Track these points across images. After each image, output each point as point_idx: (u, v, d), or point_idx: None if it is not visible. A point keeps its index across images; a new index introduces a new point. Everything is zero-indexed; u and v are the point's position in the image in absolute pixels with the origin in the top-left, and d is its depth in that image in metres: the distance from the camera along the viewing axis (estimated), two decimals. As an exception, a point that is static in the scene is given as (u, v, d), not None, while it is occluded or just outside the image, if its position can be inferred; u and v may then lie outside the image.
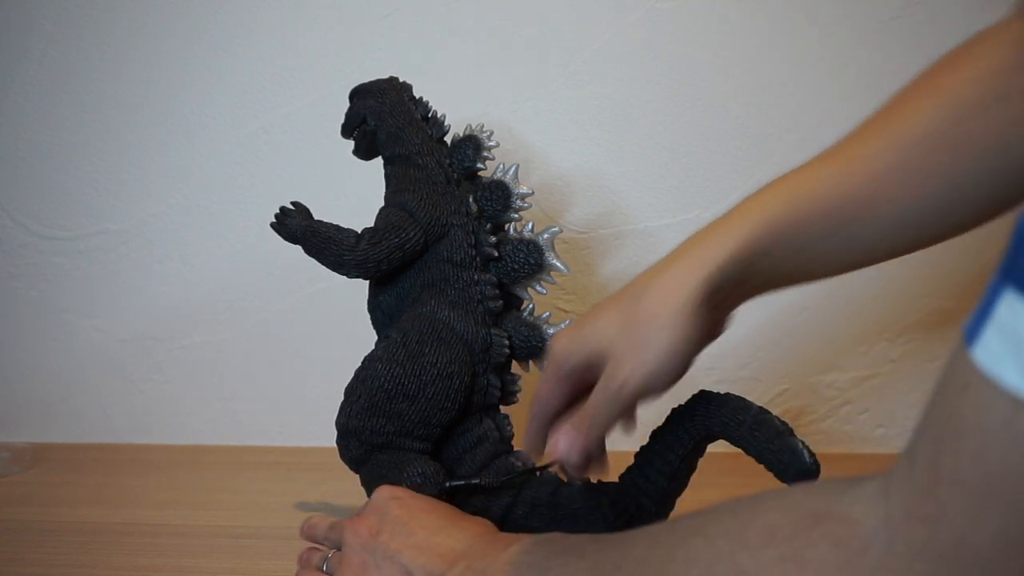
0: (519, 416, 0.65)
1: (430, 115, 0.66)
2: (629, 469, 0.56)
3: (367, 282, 0.65)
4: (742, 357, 0.86)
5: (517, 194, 0.63)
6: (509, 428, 0.62)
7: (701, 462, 0.54)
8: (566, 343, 0.52)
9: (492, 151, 0.64)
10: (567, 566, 0.40)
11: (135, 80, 0.90)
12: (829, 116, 0.84)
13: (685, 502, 0.54)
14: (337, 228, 0.62)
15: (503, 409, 0.64)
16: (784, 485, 0.48)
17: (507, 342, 0.61)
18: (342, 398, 0.61)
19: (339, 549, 0.53)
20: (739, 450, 0.50)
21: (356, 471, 0.61)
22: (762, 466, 0.49)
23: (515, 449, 0.63)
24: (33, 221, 0.92)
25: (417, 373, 0.58)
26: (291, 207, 0.64)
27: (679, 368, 0.48)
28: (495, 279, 0.62)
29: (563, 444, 0.51)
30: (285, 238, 0.64)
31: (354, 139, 0.69)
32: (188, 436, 0.92)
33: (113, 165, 0.91)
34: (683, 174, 0.86)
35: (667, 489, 0.54)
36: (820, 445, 0.58)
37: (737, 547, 0.32)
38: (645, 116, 0.86)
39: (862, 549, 0.29)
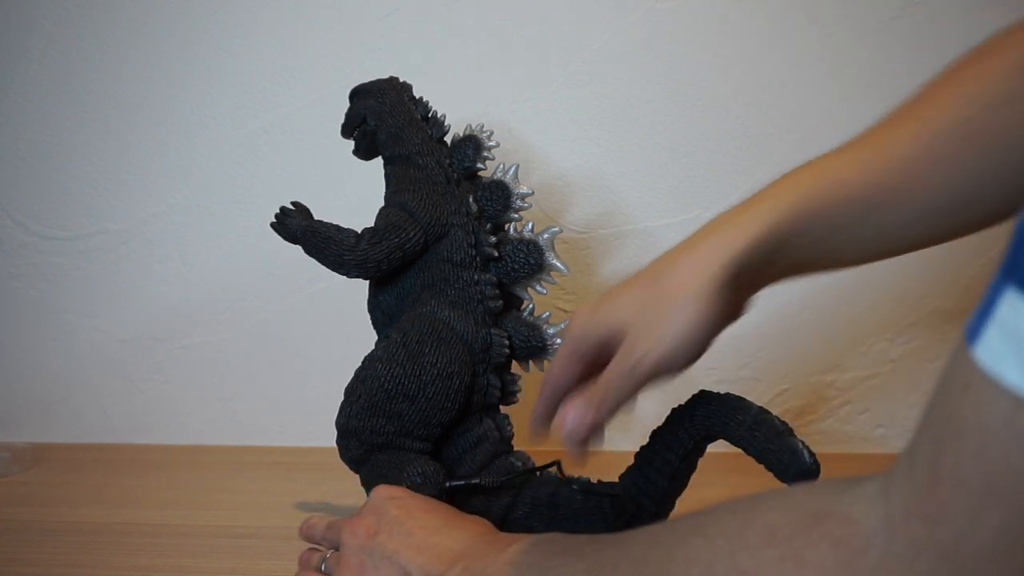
0: (519, 416, 0.65)
1: (430, 115, 0.66)
2: (629, 469, 0.56)
3: (367, 282, 0.65)
4: (742, 357, 0.86)
5: (517, 194, 0.63)
6: (509, 428, 0.63)
7: (701, 462, 0.54)
8: (586, 319, 0.51)
9: (492, 151, 0.64)
10: (566, 566, 0.40)
11: (135, 80, 0.90)
12: (829, 116, 0.84)
13: (685, 502, 0.54)
14: (337, 228, 0.62)
15: (503, 409, 0.64)
16: (784, 485, 0.48)
17: (507, 342, 0.61)
18: (342, 398, 0.61)
19: (337, 549, 0.52)
20: (739, 450, 0.50)
21: (356, 471, 0.61)
22: (762, 466, 0.49)
23: (515, 449, 0.63)
24: (33, 221, 0.92)
25: (417, 373, 0.58)
26: (291, 207, 0.64)
27: (697, 349, 0.47)
28: (495, 279, 0.62)
29: (572, 418, 0.50)
30: (285, 238, 0.64)
31: (354, 139, 0.69)
32: (188, 436, 0.92)
33: (113, 165, 0.91)
34: (683, 174, 0.86)
35: (667, 489, 0.54)
36: (820, 445, 0.58)
37: (736, 547, 0.32)
38: (645, 116, 0.86)
39: (862, 549, 0.29)
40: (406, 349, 0.59)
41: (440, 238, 0.62)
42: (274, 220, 0.64)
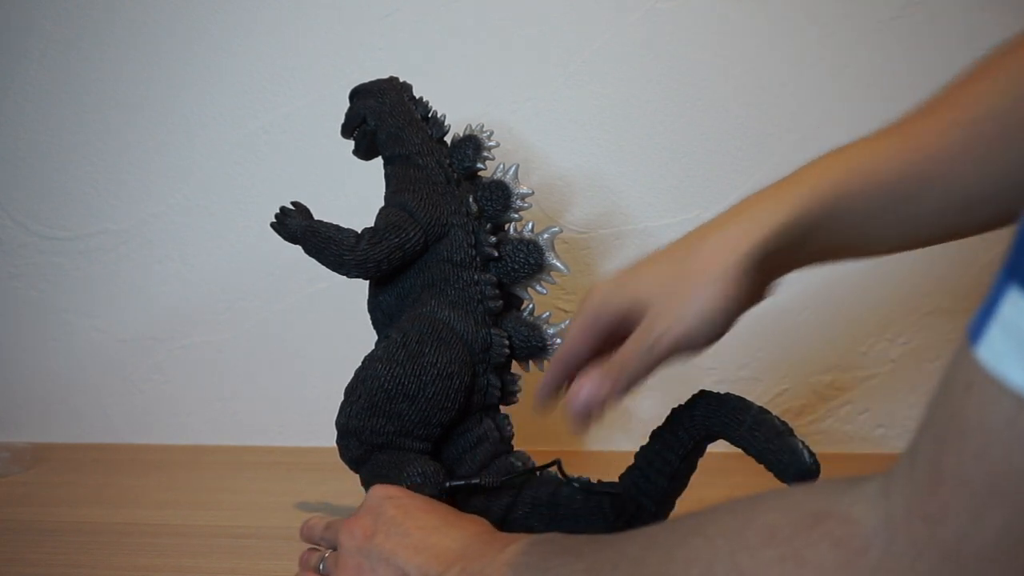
0: (519, 416, 0.65)
1: (430, 115, 0.66)
2: (629, 469, 0.56)
3: (367, 282, 0.65)
4: (742, 357, 0.86)
5: (517, 194, 0.63)
6: (509, 428, 0.62)
7: (701, 462, 0.54)
8: (607, 289, 0.50)
9: (492, 151, 0.64)
10: (565, 566, 0.40)
11: (135, 80, 0.90)
12: (829, 116, 0.84)
13: (685, 502, 0.54)
14: (337, 228, 0.62)
15: (503, 409, 0.64)
16: (784, 485, 0.48)
17: (507, 342, 0.61)
18: (342, 398, 0.61)
19: (335, 549, 0.52)
20: (739, 450, 0.50)
21: (356, 471, 0.61)
22: (762, 466, 0.49)
23: (515, 449, 0.63)
24: (33, 221, 0.92)
25: (417, 373, 0.58)
26: (291, 207, 0.64)
27: (718, 329, 0.47)
28: (495, 279, 0.62)
29: (587, 391, 0.49)
30: (285, 238, 0.64)
31: (354, 139, 0.69)
32: (188, 436, 0.92)
33: (113, 165, 0.91)
34: (683, 174, 0.86)
35: (667, 489, 0.54)
36: (820, 445, 0.58)
37: (736, 547, 0.32)
38: (645, 116, 0.86)
39: (862, 549, 0.28)
40: (406, 349, 0.59)
41: (440, 238, 0.62)
42: (274, 220, 0.64)
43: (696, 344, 0.47)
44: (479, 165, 0.64)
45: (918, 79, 0.83)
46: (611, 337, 0.50)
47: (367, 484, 0.60)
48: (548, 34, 0.85)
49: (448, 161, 0.64)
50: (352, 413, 0.60)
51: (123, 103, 0.90)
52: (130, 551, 0.63)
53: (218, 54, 0.89)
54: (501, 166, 0.63)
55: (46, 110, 0.91)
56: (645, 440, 0.55)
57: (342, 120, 0.69)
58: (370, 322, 0.66)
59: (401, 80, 0.69)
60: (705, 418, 0.51)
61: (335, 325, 0.88)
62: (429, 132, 0.65)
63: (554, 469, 0.59)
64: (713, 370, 0.86)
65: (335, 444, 0.61)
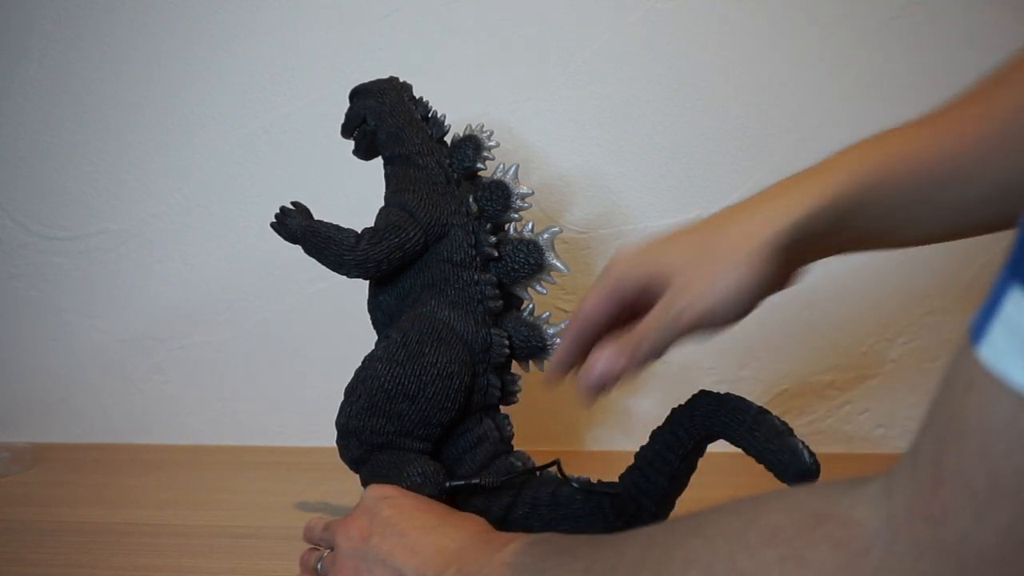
0: (519, 416, 0.65)
1: (430, 115, 0.66)
2: (629, 469, 0.56)
3: (367, 282, 0.65)
4: (742, 357, 0.86)
5: (517, 194, 0.63)
6: (509, 428, 0.62)
7: (701, 462, 0.54)
8: (631, 258, 0.49)
9: (492, 151, 0.64)
10: (562, 567, 0.40)
11: (135, 80, 0.90)
12: (829, 116, 0.84)
13: (685, 502, 0.54)
14: (337, 228, 0.62)
15: (503, 409, 0.64)
16: (784, 485, 0.48)
17: (507, 342, 0.61)
18: (342, 398, 0.61)
19: (333, 549, 0.52)
20: (739, 450, 0.50)
21: (356, 471, 0.61)
22: (762, 466, 0.49)
23: (515, 449, 0.63)
24: (33, 221, 0.92)
25: (417, 373, 0.58)
26: (291, 207, 0.64)
27: (741, 310, 0.46)
28: (495, 279, 0.62)
29: (604, 363, 0.48)
30: (285, 238, 0.64)
31: (354, 139, 0.69)
32: (188, 436, 0.92)
33: (113, 165, 0.91)
34: (683, 174, 0.86)
35: (667, 489, 0.54)
36: (820, 445, 0.58)
37: (736, 547, 0.32)
38: (645, 116, 0.86)
39: (864, 550, 0.28)
40: (406, 349, 0.59)
41: (440, 238, 0.62)
42: (274, 220, 0.64)
43: (717, 322, 0.46)
44: (479, 165, 0.64)
45: (918, 79, 0.83)
46: (628, 309, 0.49)
47: (367, 484, 0.60)
48: (548, 34, 0.85)
49: (448, 161, 0.64)
50: (352, 413, 0.60)
51: (123, 103, 0.90)
52: (130, 551, 0.63)
53: (218, 54, 0.89)
54: (501, 166, 0.63)
55: (46, 110, 0.91)
56: (645, 440, 0.55)
57: (342, 120, 0.69)
58: (370, 322, 0.65)
59: (401, 80, 0.69)
60: (705, 418, 0.51)
61: (335, 325, 0.88)
62: (429, 132, 0.65)
63: (554, 469, 0.59)
64: (713, 370, 0.86)
65: (335, 444, 0.61)
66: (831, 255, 0.49)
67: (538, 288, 0.62)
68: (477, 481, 0.58)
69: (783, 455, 0.48)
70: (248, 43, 0.88)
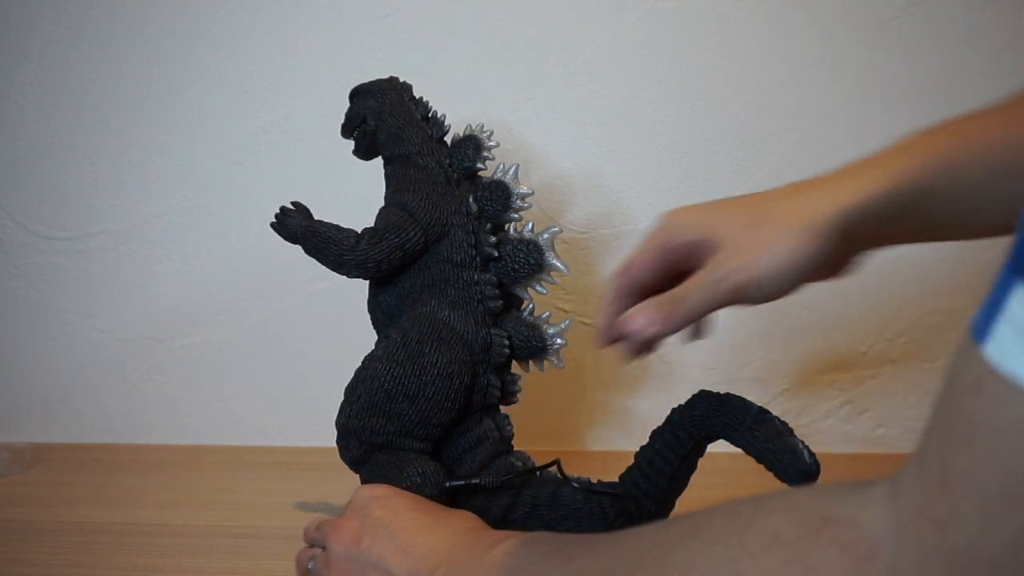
0: (519, 416, 0.65)
1: (430, 115, 0.66)
2: (629, 469, 0.56)
3: (367, 282, 0.65)
4: (742, 357, 0.86)
5: (517, 194, 0.63)
6: (509, 428, 0.62)
7: (701, 462, 0.54)
8: (683, 218, 0.48)
9: (492, 151, 0.64)
10: (556, 569, 0.39)
11: (135, 80, 0.90)
12: (829, 116, 0.84)
13: (685, 502, 0.54)
14: (337, 228, 0.62)
15: (503, 409, 0.64)
16: (784, 485, 0.48)
17: (507, 342, 0.61)
18: (342, 398, 0.61)
19: (325, 549, 0.52)
20: (739, 450, 0.50)
21: (356, 471, 0.61)
22: (762, 466, 0.49)
23: (515, 449, 0.63)
24: (33, 221, 0.92)
25: (417, 373, 0.58)
26: (291, 207, 0.64)
27: (785, 285, 0.45)
28: (495, 279, 0.62)
29: (641, 320, 0.46)
30: (285, 238, 0.64)
31: (354, 139, 0.69)
32: (188, 436, 0.92)
33: (113, 165, 0.91)
34: (683, 174, 0.86)
35: (667, 489, 0.54)
36: (820, 445, 0.58)
37: (737, 552, 0.31)
38: (645, 116, 0.86)
39: (870, 554, 0.28)
40: (406, 349, 0.59)
41: (440, 238, 0.62)
42: (274, 220, 0.64)
43: (758, 295, 0.45)
44: (479, 165, 0.64)
45: (918, 79, 0.83)
46: (674, 267, 0.49)
47: (367, 484, 0.60)
48: (548, 34, 0.85)
49: (448, 161, 0.64)
50: (352, 413, 0.60)
51: (123, 103, 0.90)
52: (130, 551, 0.63)
53: (218, 54, 0.89)
54: (501, 166, 0.63)
55: (46, 110, 0.91)
56: (645, 440, 0.55)
57: (342, 120, 0.69)
58: (370, 322, 0.66)
59: (401, 80, 0.69)
60: (705, 418, 0.51)
61: (335, 325, 0.88)
62: (429, 132, 0.65)
63: (554, 469, 0.59)
64: (713, 370, 0.86)
65: (335, 444, 0.61)
66: (891, 244, 0.47)
67: (538, 288, 0.62)
68: (477, 481, 0.58)
69: (783, 455, 0.48)
70: (248, 43, 0.88)
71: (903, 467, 0.29)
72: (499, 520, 0.57)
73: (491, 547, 0.44)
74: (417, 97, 0.68)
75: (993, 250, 0.81)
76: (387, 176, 0.66)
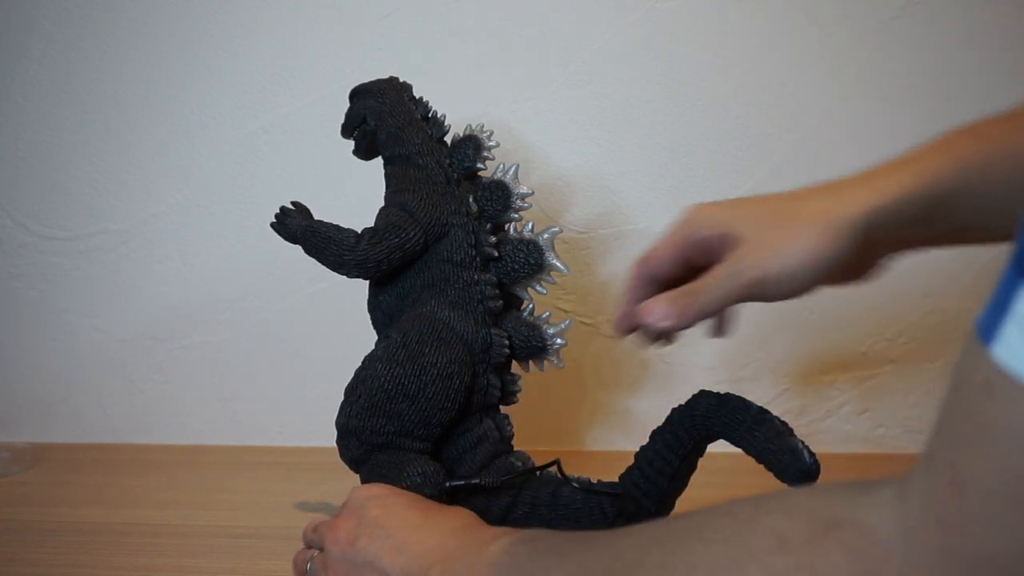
0: (519, 416, 0.65)
1: (430, 115, 0.66)
2: (629, 469, 0.56)
3: (367, 282, 0.65)
4: (742, 357, 0.86)
5: (517, 194, 0.63)
6: (509, 428, 0.62)
7: (701, 462, 0.54)
8: (706, 212, 0.48)
9: (492, 151, 0.64)
10: (551, 568, 0.39)
11: (135, 80, 0.90)
12: (829, 116, 0.84)
13: (685, 502, 0.54)
14: (337, 228, 0.62)
15: (503, 409, 0.64)
16: (785, 485, 0.48)
17: (507, 342, 0.61)
18: (342, 398, 0.61)
19: (323, 550, 0.52)
20: (739, 450, 0.50)
21: (356, 471, 0.61)
22: (762, 466, 0.49)
23: (515, 449, 0.63)
24: (33, 221, 0.92)
25: (417, 373, 0.58)
26: (291, 207, 0.64)
27: (804, 281, 0.44)
28: (495, 279, 0.62)
29: (656, 313, 0.46)
30: (285, 238, 0.64)
31: (354, 139, 0.69)
32: (188, 436, 0.92)
33: (113, 165, 0.91)
34: (683, 174, 0.86)
35: (667, 489, 0.54)
36: (820, 445, 0.58)
37: (741, 553, 0.31)
38: (645, 116, 0.86)
39: (880, 558, 0.27)
40: (406, 349, 0.59)
41: (440, 238, 0.62)
42: (274, 220, 0.64)
43: (775, 291, 0.45)
44: (479, 165, 0.64)
45: (918, 79, 0.83)
46: (693, 260, 0.49)
47: (364, 484, 0.60)
48: (548, 34, 0.85)
49: (448, 161, 0.64)
50: (352, 413, 0.60)
51: (123, 103, 0.90)
52: (130, 551, 0.63)
53: (218, 54, 0.89)
54: (501, 166, 0.63)
55: (46, 110, 0.91)
56: (645, 440, 0.55)
57: (342, 120, 0.69)
58: (370, 322, 0.66)
59: (401, 80, 0.69)
60: (705, 418, 0.51)
61: (335, 325, 0.88)
62: (429, 132, 0.65)
63: (554, 469, 0.59)
64: (713, 370, 0.86)
65: (335, 444, 0.61)
66: (915, 248, 0.47)
67: (538, 288, 0.62)
68: (477, 481, 0.58)
69: (783, 455, 0.48)
70: (248, 43, 0.88)
71: (911, 471, 0.28)
72: (499, 520, 0.57)
73: (486, 544, 0.44)
74: (417, 97, 0.68)
75: (994, 250, 0.81)
76: (387, 176, 0.66)
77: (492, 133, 0.64)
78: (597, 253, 0.87)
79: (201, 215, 0.90)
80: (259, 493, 0.76)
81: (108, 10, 0.89)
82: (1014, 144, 0.43)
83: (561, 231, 0.63)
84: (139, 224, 0.91)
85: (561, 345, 0.61)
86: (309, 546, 0.55)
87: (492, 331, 0.61)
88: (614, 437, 0.88)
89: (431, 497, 0.55)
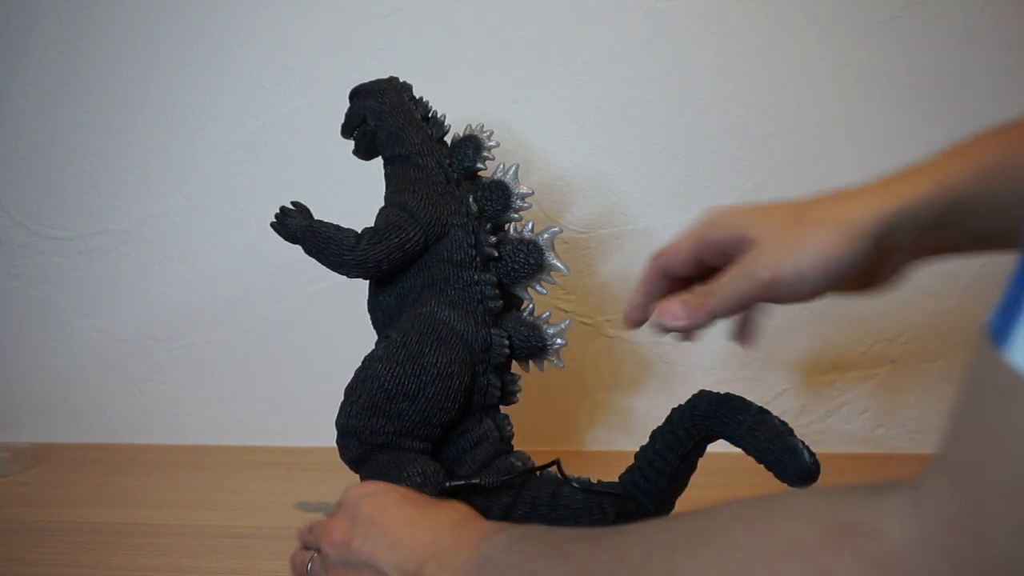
0: (519, 416, 0.65)
1: (430, 115, 0.66)
2: (629, 469, 0.56)
3: (367, 282, 0.65)
4: (742, 357, 0.86)
5: (517, 194, 0.63)
6: (509, 428, 0.62)
7: (701, 462, 0.54)
8: (724, 214, 0.48)
9: (492, 151, 0.64)
10: (552, 569, 0.38)
11: (135, 80, 0.90)
12: (829, 116, 0.84)
13: (685, 502, 0.54)
14: (337, 228, 0.62)
15: (503, 409, 0.64)
16: (785, 485, 0.48)
17: (507, 342, 0.61)
18: (342, 398, 0.61)
19: (319, 551, 0.51)
20: (739, 450, 0.50)
21: (356, 471, 0.61)
22: (762, 466, 0.49)
23: (515, 449, 0.63)
24: (33, 221, 0.92)
25: (417, 373, 0.58)
26: (291, 207, 0.64)
27: (816, 283, 0.44)
28: (495, 279, 0.62)
29: (668, 315, 0.47)
30: (285, 238, 0.64)
31: (354, 139, 0.69)
32: (188, 436, 0.92)
33: (113, 165, 0.91)
34: (683, 174, 0.86)
35: (667, 489, 0.54)
36: (820, 445, 0.58)
37: (752, 559, 0.30)
38: (645, 116, 0.86)
39: (896, 565, 0.27)
40: (406, 349, 0.59)
41: (440, 238, 0.62)
42: (274, 220, 0.64)
43: (786, 292, 0.45)
44: (479, 165, 0.64)
45: (918, 79, 0.83)
46: (707, 261, 0.49)
47: (364, 483, 0.60)
48: (548, 34, 0.85)
49: (448, 161, 0.64)
50: (352, 413, 0.60)
51: (123, 103, 0.90)
52: (130, 551, 0.63)
53: (218, 54, 0.89)
54: (501, 166, 0.63)
55: (46, 110, 0.91)
56: (645, 440, 0.55)
57: (342, 120, 0.69)
58: (370, 322, 0.66)
59: (401, 80, 0.69)
60: (705, 418, 0.51)
61: (335, 325, 0.88)
62: (429, 132, 0.65)
63: (554, 469, 0.59)
64: (713, 370, 0.86)
65: (335, 444, 0.61)
66: (934, 255, 0.47)
67: (538, 288, 0.62)
68: (477, 481, 0.58)
69: (783, 455, 0.48)
70: (248, 43, 0.88)
71: (925, 474, 0.27)
72: (499, 520, 0.57)
73: (483, 539, 0.43)
74: (417, 97, 0.68)
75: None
76: (387, 176, 0.66)
77: (492, 133, 0.64)
78: (597, 253, 0.87)
79: (201, 215, 0.90)
80: (259, 493, 0.76)
81: (108, 10, 0.89)
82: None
83: (561, 231, 0.63)
84: (139, 224, 0.91)
85: (561, 345, 0.61)
86: (306, 547, 0.54)
87: (492, 331, 0.61)
88: (614, 437, 0.88)
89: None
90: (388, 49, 0.87)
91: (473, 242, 0.61)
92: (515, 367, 0.63)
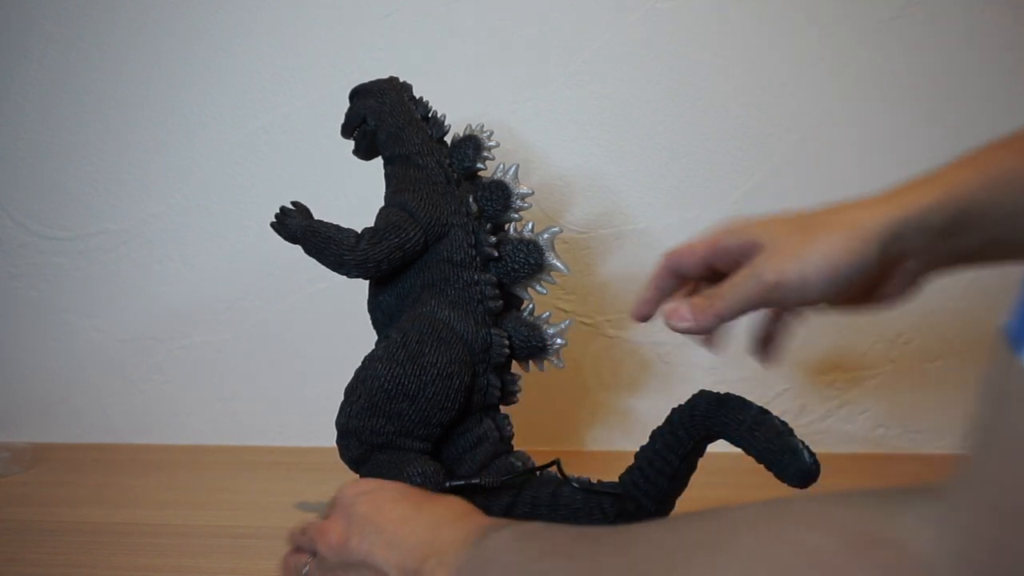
0: (519, 416, 0.65)
1: (430, 115, 0.66)
2: (629, 469, 0.56)
3: (367, 282, 0.65)
4: (742, 357, 0.86)
5: (517, 194, 0.63)
6: (509, 428, 0.62)
7: (701, 462, 0.54)
8: (737, 224, 0.49)
9: (492, 151, 0.64)
10: (556, 570, 0.38)
11: (135, 80, 0.90)
12: (829, 116, 0.84)
13: (685, 502, 0.54)
14: (337, 228, 0.62)
15: (503, 409, 0.64)
16: (785, 485, 0.48)
17: (507, 342, 0.61)
18: (342, 398, 0.61)
19: (315, 554, 0.50)
20: (739, 450, 0.50)
21: (356, 471, 0.61)
22: (762, 466, 0.49)
23: (515, 449, 0.63)
24: (33, 221, 0.92)
25: (417, 373, 0.58)
26: (291, 207, 0.64)
27: (822, 288, 0.44)
28: (495, 279, 0.62)
29: (679, 313, 0.47)
30: (285, 238, 0.64)
31: (354, 139, 0.69)
32: (188, 436, 0.92)
33: (113, 165, 0.91)
34: (683, 174, 0.86)
35: (667, 489, 0.54)
36: (820, 445, 0.58)
37: (771, 569, 0.29)
38: (645, 116, 0.86)
39: None
40: (406, 349, 0.59)
41: (440, 238, 0.62)
42: (274, 220, 0.64)
43: (793, 296, 0.45)
44: (479, 165, 0.64)
45: (918, 79, 0.83)
46: (716, 266, 0.49)
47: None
48: (548, 34, 0.85)
49: (448, 161, 0.64)
50: (352, 413, 0.60)
51: (123, 103, 0.90)
52: (130, 551, 0.63)
53: (218, 54, 0.89)
54: (501, 166, 0.63)
55: (46, 110, 0.91)
56: (645, 440, 0.55)
57: (342, 120, 0.69)
58: (370, 322, 0.66)
59: (401, 80, 0.69)
60: (705, 418, 0.51)
61: (335, 325, 0.88)
62: (429, 132, 0.65)
63: (554, 469, 0.59)
64: (713, 370, 0.86)
65: (335, 444, 0.61)
66: (947, 266, 0.46)
67: (538, 288, 0.62)
68: (477, 481, 0.58)
69: (783, 455, 0.48)
70: (248, 43, 0.88)
71: (949, 485, 0.27)
72: (499, 520, 0.57)
73: (483, 536, 0.43)
74: (417, 97, 0.68)
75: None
76: (387, 176, 0.66)
77: (492, 133, 0.64)
78: (597, 253, 0.87)
79: (201, 215, 0.90)
80: (259, 493, 0.76)
81: (108, 10, 0.89)
82: None
83: (561, 231, 0.63)
84: (139, 224, 0.91)
85: (561, 345, 0.61)
86: (298, 549, 0.53)
87: (492, 331, 0.61)
88: (614, 437, 0.88)
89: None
90: (388, 49, 0.87)
91: (473, 242, 0.61)
92: (515, 367, 0.63)
